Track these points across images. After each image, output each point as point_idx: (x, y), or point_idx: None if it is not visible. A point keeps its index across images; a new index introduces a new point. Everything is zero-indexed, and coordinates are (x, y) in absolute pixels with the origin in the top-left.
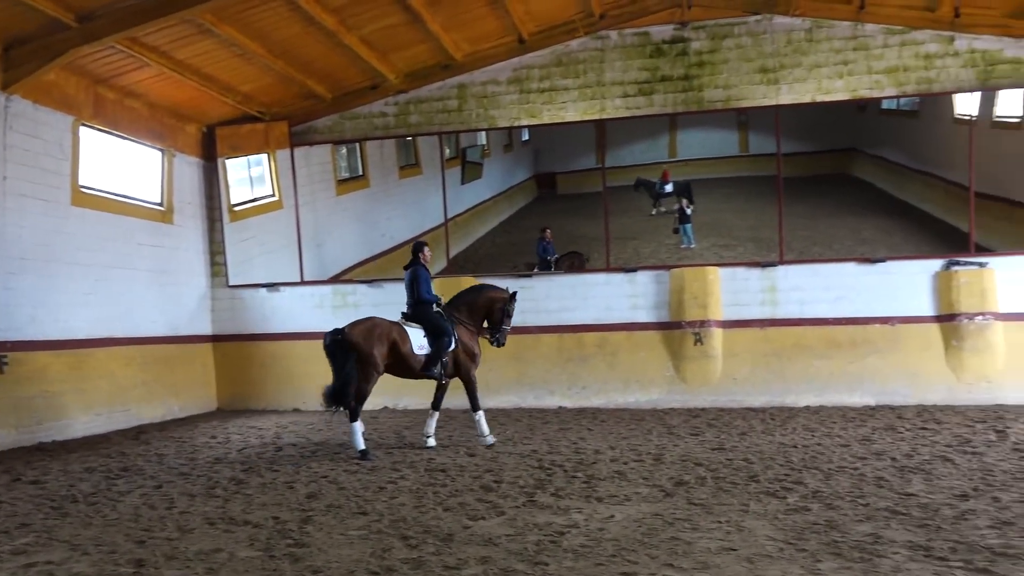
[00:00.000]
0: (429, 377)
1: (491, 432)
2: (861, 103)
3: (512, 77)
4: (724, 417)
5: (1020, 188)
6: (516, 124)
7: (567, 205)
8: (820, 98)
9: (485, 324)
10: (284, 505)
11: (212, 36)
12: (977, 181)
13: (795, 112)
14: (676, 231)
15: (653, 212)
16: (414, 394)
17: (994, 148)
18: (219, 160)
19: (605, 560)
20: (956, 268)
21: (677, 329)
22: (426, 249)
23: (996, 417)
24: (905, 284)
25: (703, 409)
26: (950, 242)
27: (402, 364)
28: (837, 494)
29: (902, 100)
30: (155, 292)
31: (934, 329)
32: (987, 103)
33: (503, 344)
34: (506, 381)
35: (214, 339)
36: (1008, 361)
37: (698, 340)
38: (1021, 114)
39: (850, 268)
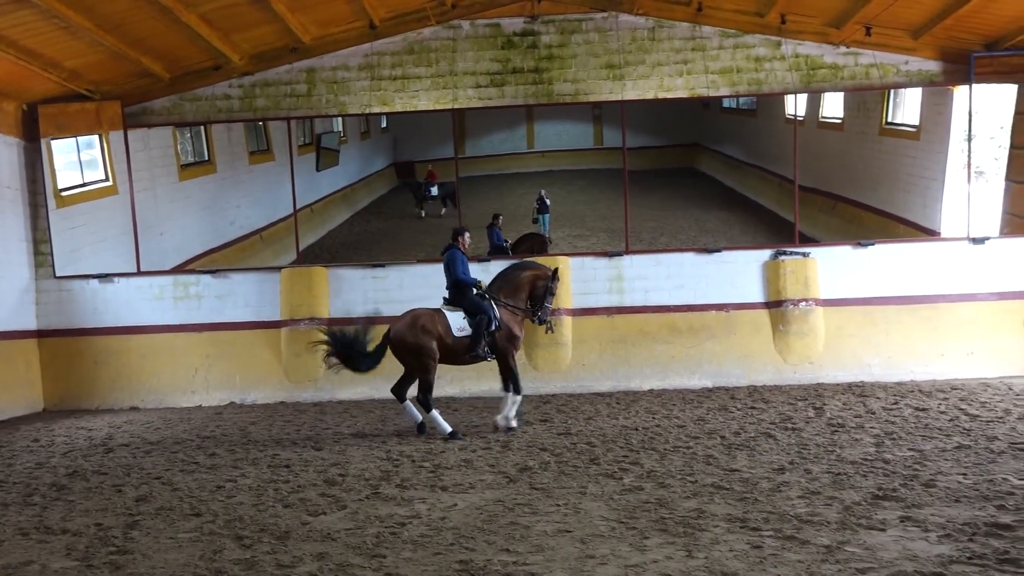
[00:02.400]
0: (476, 359)
1: (515, 417)
2: (702, 101)
3: (363, 63)
4: (573, 403)
5: (842, 184)
6: (368, 111)
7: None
8: (662, 95)
9: (529, 303)
10: (109, 510)
11: (30, 6)
12: (803, 177)
13: (646, 108)
14: (535, 221)
15: (422, 214)
16: (262, 388)
17: (820, 146)
18: (43, 141)
19: (444, 549)
20: (783, 257)
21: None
22: (466, 235)
23: (816, 395)
24: (739, 273)
25: (553, 395)
26: (781, 233)
27: (447, 351)
28: (670, 473)
29: (741, 100)
30: None
31: (764, 315)
32: (814, 105)
33: (545, 322)
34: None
35: (39, 334)
36: (828, 344)
37: (549, 328)
38: (842, 116)
39: (690, 258)
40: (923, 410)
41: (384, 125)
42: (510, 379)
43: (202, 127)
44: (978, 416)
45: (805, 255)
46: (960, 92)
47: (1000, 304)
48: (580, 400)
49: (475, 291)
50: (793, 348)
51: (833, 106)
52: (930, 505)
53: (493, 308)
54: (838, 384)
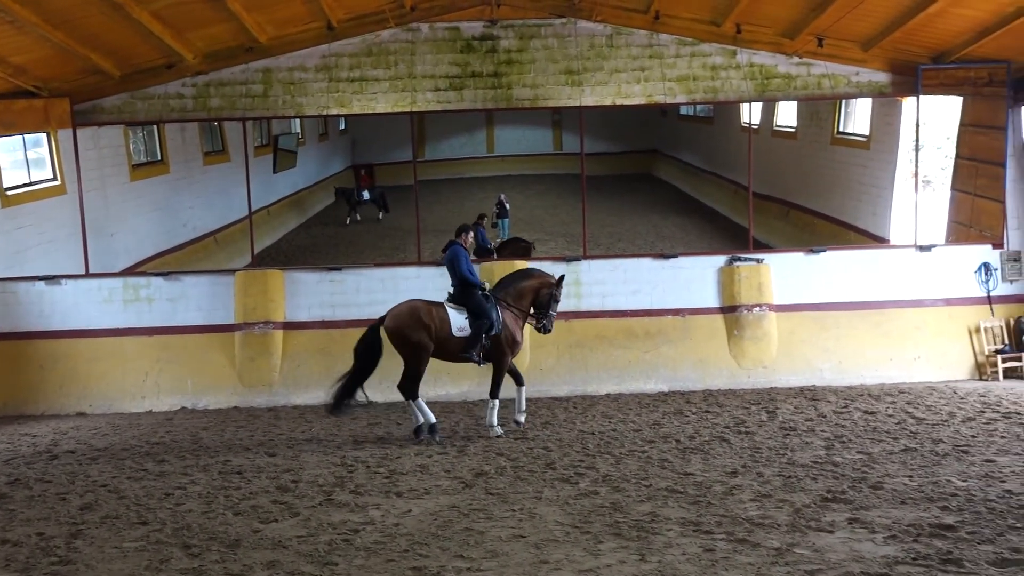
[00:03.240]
0: (466, 360)
1: (498, 423)
2: (660, 108)
3: (321, 64)
4: (530, 407)
5: (795, 191)
6: (325, 113)
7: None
8: (620, 101)
9: (532, 310)
10: (52, 519)
11: None
12: (758, 184)
13: (605, 114)
14: (494, 225)
15: (348, 221)
16: (215, 394)
17: (774, 155)
18: None
19: (397, 556)
20: (738, 263)
21: None
22: (470, 232)
23: (769, 399)
24: (694, 278)
25: (511, 400)
26: (736, 239)
27: (440, 346)
28: (625, 477)
29: (698, 107)
30: None
31: (719, 320)
32: (768, 114)
33: (550, 330)
34: (314, 376)
35: None
36: (781, 348)
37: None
38: (796, 125)
39: (647, 263)
40: (872, 413)
41: (343, 127)
42: (494, 383)
43: (155, 126)
44: (924, 419)
45: (759, 261)
46: (908, 103)
47: (946, 310)
48: (537, 404)
49: (481, 292)
50: (747, 353)
51: (787, 115)
52: (877, 507)
53: (497, 312)
54: (791, 388)
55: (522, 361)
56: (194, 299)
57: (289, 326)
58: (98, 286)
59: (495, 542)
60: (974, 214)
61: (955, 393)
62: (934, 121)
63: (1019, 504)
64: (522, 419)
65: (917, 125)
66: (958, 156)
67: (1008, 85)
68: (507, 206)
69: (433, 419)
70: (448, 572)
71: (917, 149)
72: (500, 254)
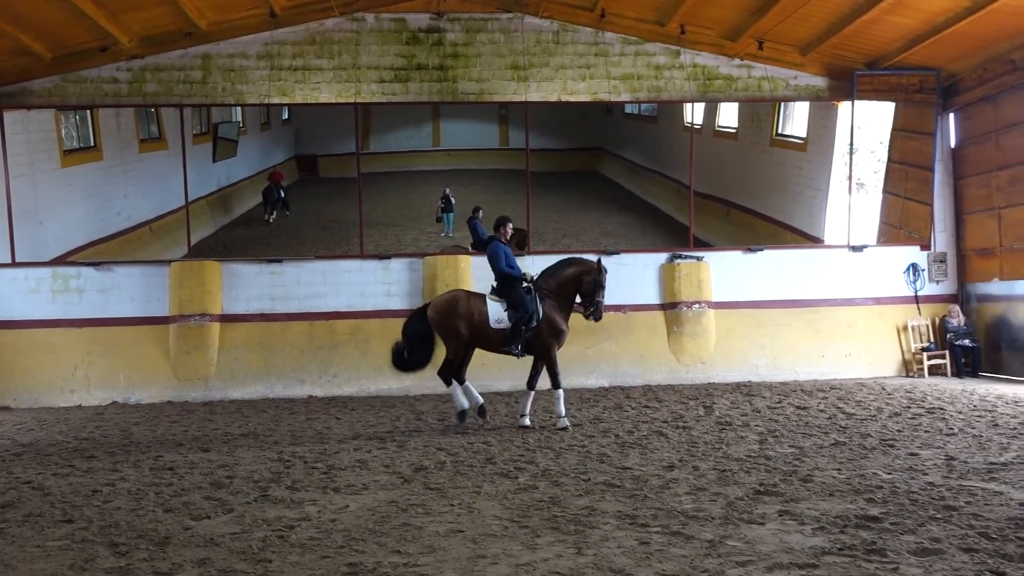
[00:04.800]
0: (507, 353)
1: (566, 415)
2: (605, 106)
3: (263, 52)
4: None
5: (735, 191)
6: (266, 102)
7: (329, 189)
8: (565, 98)
9: (578, 299)
10: None
11: None
12: (700, 183)
13: (551, 110)
14: (439, 220)
15: (273, 218)
16: (148, 387)
17: (716, 155)
18: None
19: (332, 552)
20: (678, 261)
21: None
22: (509, 225)
23: (706, 395)
24: (636, 275)
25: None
26: (677, 237)
27: (479, 337)
28: (564, 471)
29: (643, 106)
30: None
31: (659, 316)
32: (711, 114)
33: (599, 318)
34: (252, 370)
35: None
36: (719, 345)
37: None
38: (737, 126)
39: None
40: (804, 409)
41: (286, 116)
42: (551, 374)
43: (87, 111)
44: (854, 414)
45: (699, 259)
46: (844, 107)
47: (876, 309)
48: None
49: (524, 284)
50: (686, 349)
51: (728, 116)
52: (807, 499)
53: (537, 304)
54: (727, 384)
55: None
56: (127, 290)
57: (226, 319)
58: (25, 276)
59: (433, 537)
60: (904, 216)
61: (883, 389)
62: (869, 125)
63: (940, 496)
64: (527, 422)
65: (852, 129)
66: (890, 160)
67: (937, 92)
68: (452, 200)
69: (480, 400)
70: (384, 567)
71: (851, 152)
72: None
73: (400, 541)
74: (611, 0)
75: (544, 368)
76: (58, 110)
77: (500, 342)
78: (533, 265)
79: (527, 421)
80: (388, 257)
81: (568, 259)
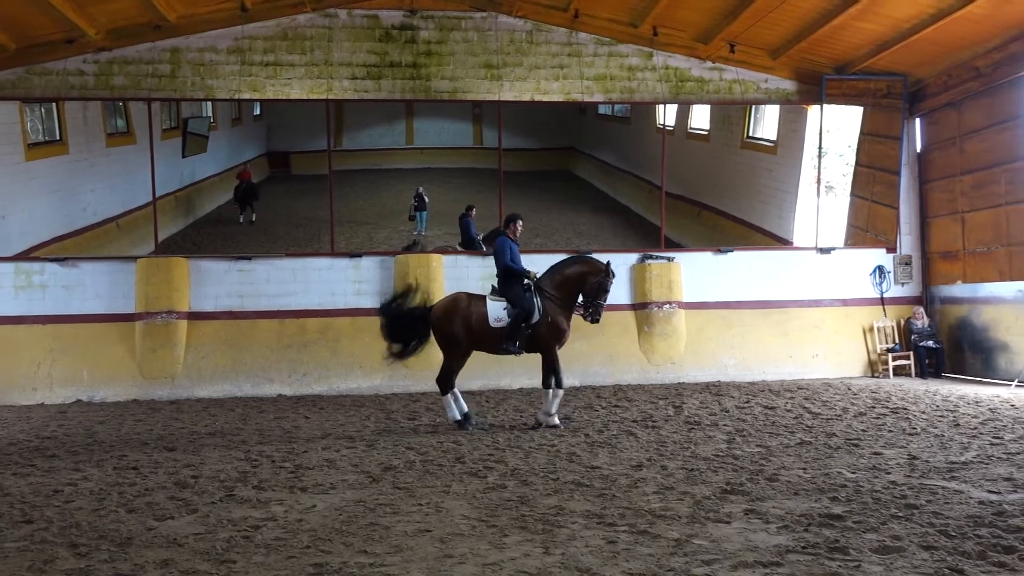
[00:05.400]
0: (506, 352)
1: (557, 413)
2: (579, 106)
3: (233, 47)
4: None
5: (706, 192)
6: (237, 97)
7: (301, 186)
8: (538, 98)
9: (581, 299)
10: None
11: None
12: (671, 184)
13: (525, 110)
14: (412, 218)
15: (248, 220)
16: (113, 385)
17: (687, 156)
18: None
19: (298, 552)
20: (649, 261)
21: None
22: (519, 222)
23: (676, 394)
24: None
25: (423, 393)
26: (649, 238)
27: (478, 339)
28: (533, 470)
29: (617, 107)
30: None
31: (630, 316)
32: (683, 116)
33: (597, 321)
34: (220, 369)
35: None
36: (689, 345)
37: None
38: (708, 128)
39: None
40: (772, 408)
41: (258, 112)
42: (551, 373)
43: (53, 104)
44: (820, 414)
45: (670, 259)
46: (813, 111)
47: (843, 310)
48: None
49: (525, 281)
50: (657, 349)
51: (700, 118)
52: (772, 498)
53: (536, 302)
54: (697, 383)
55: (436, 355)
56: (92, 287)
57: (194, 316)
58: None
59: (400, 537)
60: (871, 219)
61: (849, 389)
62: (838, 129)
63: (902, 495)
64: (545, 419)
65: (820, 132)
66: (858, 163)
67: (904, 97)
68: (426, 199)
69: (466, 409)
70: (350, 567)
71: (820, 156)
72: (486, 243)
73: (367, 541)
74: (585, 1)
75: (547, 362)
76: (22, 103)
77: (499, 341)
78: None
79: (555, 420)
80: (359, 255)
81: (575, 257)
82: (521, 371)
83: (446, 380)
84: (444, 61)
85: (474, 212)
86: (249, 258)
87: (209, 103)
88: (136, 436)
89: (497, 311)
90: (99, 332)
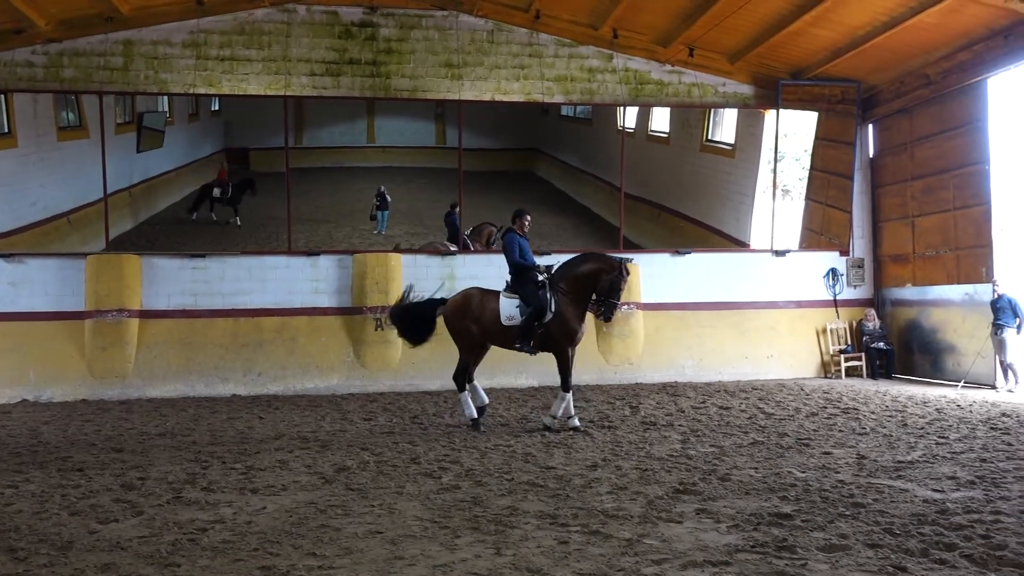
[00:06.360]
0: (519, 350)
1: (576, 415)
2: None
3: (188, 40)
4: (400, 401)
5: (666, 195)
6: (191, 92)
7: (261, 184)
8: (499, 98)
9: (594, 297)
10: None
11: None
12: (631, 186)
13: (487, 110)
14: (373, 218)
15: (208, 216)
16: (60, 385)
17: (647, 158)
18: None
19: (245, 555)
20: None
21: (358, 314)
22: (527, 217)
23: (633, 395)
24: None
25: (381, 394)
26: (608, 238)
27: (492, 336)
28: (488, 471)
29: (578, 108)
30: None
31: (589, 317)
32: (643, 118)
33: (609, 319)
34: (173, 369)
35: None
36: (647, 346)
37: (379, 326)
38: (668, 130)
39: None
40: (726, 409)
41: (216, 108)
42: (562, 375)
43: (1, 96)
44: (773, 414)
45: (629, 260)
46: (770, 116)
47: (797, 312)
48: (408, 399)
49: (540, 278)
50: (615, 349)
51: (661, 121)
52: (724, 498)
53: (549, 299)
54: (654, 384)
55: (394, 355)
56: (39, 283)
57: (146, 314)
58: None
59: (350, 539)
60: (825, 223)
61: (802, 390)
62: (794, 134)
63: (849, 493)
64: (575, 423)
65: (777, 137)
66: (813, 168)
67: (857, 104)
68: (388, 198)
69: (486, 401)
70: (298, 570)
71: (776, 159)
72: (473, 239)
73: (316, 543)
74: (546, 1)
75: (560, 363)
76: None
77: (512, 339)
78: (464, 265)
79: (575, 422)
80: (317, 254)
81: (588, 254)
82: (479, 372)
83: (461, 376)
84: (404, 59)
85: (458, 209)
86: (203, 256)
87: (165, 98)
88: (83, 437)
89: (509, 308)
90: (47, 330)
